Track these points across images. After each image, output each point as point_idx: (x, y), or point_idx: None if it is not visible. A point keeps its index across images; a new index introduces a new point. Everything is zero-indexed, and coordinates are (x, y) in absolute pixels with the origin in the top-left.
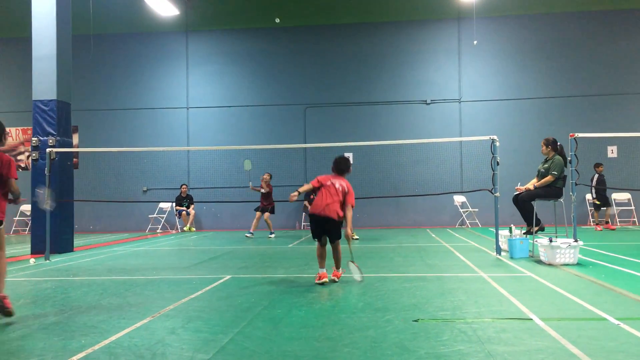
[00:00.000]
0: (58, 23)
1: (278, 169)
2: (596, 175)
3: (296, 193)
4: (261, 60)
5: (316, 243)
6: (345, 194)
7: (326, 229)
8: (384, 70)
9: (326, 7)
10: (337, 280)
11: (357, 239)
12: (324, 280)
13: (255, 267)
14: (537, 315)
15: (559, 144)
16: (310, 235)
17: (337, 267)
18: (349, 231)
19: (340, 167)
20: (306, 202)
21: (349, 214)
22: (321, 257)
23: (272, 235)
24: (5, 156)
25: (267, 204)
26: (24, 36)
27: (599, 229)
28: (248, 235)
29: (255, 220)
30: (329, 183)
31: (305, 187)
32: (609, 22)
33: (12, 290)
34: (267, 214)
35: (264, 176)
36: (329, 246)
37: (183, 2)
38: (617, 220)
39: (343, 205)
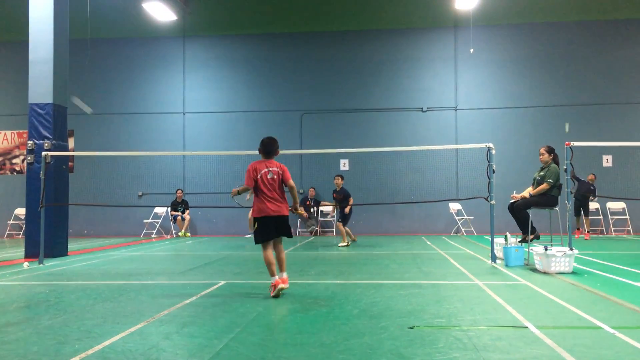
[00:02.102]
0: (55, 27)
1: None
2: (582, 179)
3: (235, 190)
4: (258, 66)
5: (264, 249)
6: (282, 178)
7: (280, 228)
8: (381, 78)
9: (323, 14)
10: (286, 287)
11: (345, 245)
12: (282, 287)
13: (250, 273)
14: (532, 324)
15: (554, 152)
16: (303, 241)
17: (284, 269)
18: (300, 210)
19: (268, 148)
20: (302, 209)
21: (294, 192)
22: (272, 262)
23: None
24: None
25: None
26: (21, 40)
27: (586, 237)
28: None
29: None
30: (265, 176)
31: (244, 188)
32: (604, 31)
33: (6, 294)
34: None
35: None
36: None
37: (181, 8)
38: (612, 229)
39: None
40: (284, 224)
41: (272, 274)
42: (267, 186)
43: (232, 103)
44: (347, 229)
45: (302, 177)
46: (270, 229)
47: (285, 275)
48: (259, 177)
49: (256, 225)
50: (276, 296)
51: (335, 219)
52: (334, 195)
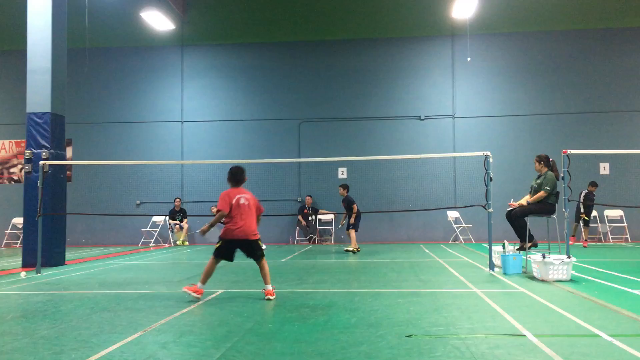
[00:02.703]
0: (53, 36)
1: (272, 184)
2: (584, 192)
3: (206, 227)
4: (256, 75)
5: (212, 258)
6: (254, 204)
7: (246, 250)
8: (379, 86)
9: (322, 23)
10: (272, 298)
11: (351, 250)
12: (199, 296)
13: (248, 282)
14: (530, 332)
15: (551, 159)
16: (302, 250)
17: (268, 282)
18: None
19: (238, 177)
20: (300, 217)
21: (259, 217)
22: (209, 274)
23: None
24: None
25: None
26: (19, 49)
27: (584, 244)
28: None
29: None
30: (237, 202)
31: (217, 218)
32: (601, 40)
33: (3, 304)
34: None
35: None
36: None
37: (179, 17)
38: (610, 237)
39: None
40: (252, 247)
41: (203, 282)
42: (240, 212)
43: (230, 112)
44: (354, 234)
45: (300, 185)
46: (230, 252)
47: (270, 287)
48: (233, 202)
49: (220, 244)
50: (195, 299)
51: (345, 226)
52: (343, 204)
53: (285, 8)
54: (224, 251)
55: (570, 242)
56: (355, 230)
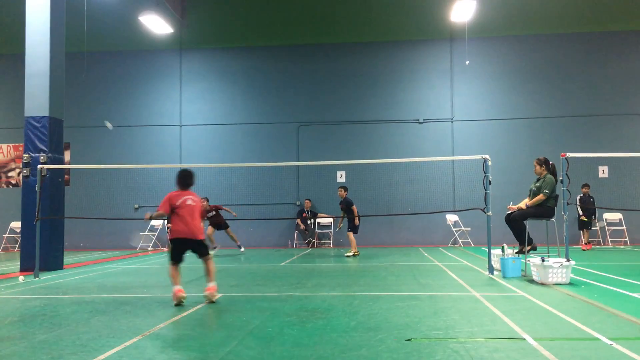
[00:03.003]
0: (52, 40)
1: (271, 187)
2: (580, 195)
3: (148, 216)
4: (254, 78)
5: (171, 265)
6: (199, 208)
7: (195, 249)
8: (377, 90)
9: (320, 27)
10: (214, 297)
11: (352, 255)
12: (183, 295)
13: (247, 286)
14: (530, 335)
15: (551, 163)
16: (300, 253)
17: (213, 279)
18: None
19: (187, 181)
20: (299, 221)
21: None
22: (175, 276)
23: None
24: None
25: (219, 222)
26: (18, 52)
27: (587, 248)
28: (212, 252)
29: (209, 235)
30: (184, 203)
31: (157, 215)
32: (599, 43)
33: (1, 308)
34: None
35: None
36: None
37: (177, 21)
38: (609, 240)
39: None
40: (199, 245)
41: (175, 284)
42: (186, 213)
43: (228, 115)
44: (353, 238)
45: (298, 189)
46: (181, 251)
47: (212, 284)
48: (178, 204)
49: (171, 246)
50: (178, 304)
51: (344, 229)
52: (341, 206)
53: (284, 12)
54: (175, 254)
55: (588, 248)
56: (355, 233)
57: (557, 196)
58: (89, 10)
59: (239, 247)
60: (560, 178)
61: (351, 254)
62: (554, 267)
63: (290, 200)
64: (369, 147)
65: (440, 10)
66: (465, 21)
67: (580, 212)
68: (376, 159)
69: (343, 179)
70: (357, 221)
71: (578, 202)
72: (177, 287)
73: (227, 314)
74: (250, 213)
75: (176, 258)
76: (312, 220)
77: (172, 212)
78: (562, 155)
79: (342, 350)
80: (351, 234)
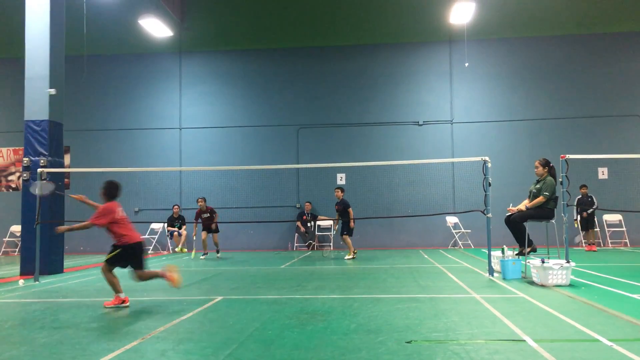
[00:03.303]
0: (51, 43)
1: (271, 190)
2: (578, 197)
3: (65, 229)
4: (254, 81)
5: (109, 271)
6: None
7: (139, 257)
8: (377, 92)
9: (320, 29)
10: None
11: (352, 258)
12: (127, 304)
13: (247, 289)
14: (530, 337)
15: (551, 164)
16: (300, 256)
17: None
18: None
19: (115, 192)
20: (299, 223)
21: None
22: (115, 282)
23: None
24: None
25: (210, 225)
26: (17, 56)
27: (591, 249)
28: (202, 257)
29: (203, 241)
30: (122, 213)
31: (84, 226)
32: (599, 45)
33: (1, 312)
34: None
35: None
36: None
37: (177, 24)
38: (609, 241)
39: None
40: (141, 252)
41: (117, 291)
42: (124, 222)
43: (228, 118)
44: (349, 240)
45: (299, 191)
46: (127, 258)
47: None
48: (119, 216)
49: (118, 252)
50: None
51: (339, 231)
52: (336, 207)
53: (283, 14)
54: (129, 259)
55: (593, 250)
56: (350, 236)
57: (557, 198)
58: (88, 14)
59: (217, 251)
60: (560, 180)
61: (351, 256)
62: (554, 269)
63: (290, 203)
64: (369, 149)
65: (439, 12)
66: (465, 23)
67: (575, 216)
68: (376, 161)
69: (343, 182)
70: (352, 224)
71: (576, 204)
72: (124, 295)
73: (227, 317)
74: (250, 216)
75: (124, 265)
76: (313, 222)
77: (110, 224)
78: (562, 157)
79: (342, 353)
80: (347, 237)
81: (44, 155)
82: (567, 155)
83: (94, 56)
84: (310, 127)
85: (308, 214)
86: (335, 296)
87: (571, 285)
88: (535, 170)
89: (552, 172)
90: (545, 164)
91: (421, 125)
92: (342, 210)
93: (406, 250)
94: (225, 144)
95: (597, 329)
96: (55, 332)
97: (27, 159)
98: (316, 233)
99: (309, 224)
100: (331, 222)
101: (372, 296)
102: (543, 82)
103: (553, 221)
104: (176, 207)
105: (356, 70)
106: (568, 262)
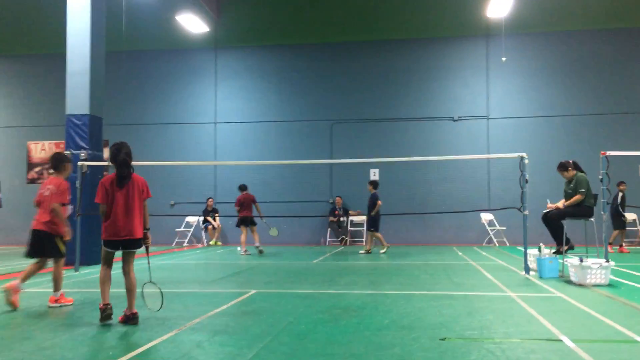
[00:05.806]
0: (92, 40)
1: (304, 185)
2: (620, 194)
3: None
4: (288, 76)
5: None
6: (52, 196)
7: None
8: (411, 87)
9: (354, 25)
10: (70, 305)
11: (384, 252)
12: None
13: (280, 282)
14: (567, 337)
15: (571, 161)
16: (333, 251)
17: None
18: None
19: (52, 163)
20: (331, 218)
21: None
22: (34, 274)
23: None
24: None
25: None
26: (59, 52)
27: (623, 251)
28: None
29: (244, 236)
30: (42, 191)
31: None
32: None
33: (42, 301)
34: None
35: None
36: None
37: (213, 19)
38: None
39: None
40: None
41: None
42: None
43: (262, 113)
44: (379, 234)
45: (332, 186)
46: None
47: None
48: (41, 196)
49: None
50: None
51: (365, 227)
52: (369, 202)
53: (318, 10)
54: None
55: (626, 252)
56: (377, 230)
57: (595, 195)
58: (127, 11)
59: (258, 247)
60: (600, 177)
61: (384, 250)
62: (593, 268)
63: (323, 198)
64: (403, 144)
65: (477, 6)
66: (502, 17)
67: (622, 213)
68: (410, 157)
69: (377, 177)
70: (372, 213)
71: (619, 202)
72: (61, 297)
73: (261, 310)
74: (283, 210)
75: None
76: (345, 217)
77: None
78: (602, 154)
79: (376, 349)
80: (376, 233)
81: (85, 149)
82: (607, 152)
83: (132, 52)
84: (343, 122)
85: (340, 208)
86: (368, 292)
87: (610, 285)
88: (562, 175)
89: (578, 167)
90: (567, 165)
91: (456, 120)
92: (371, 204)
93: (439, 246)
94: (259, 139)
95: (637, 330)
96: (94, 321)
97: (68, 152)
98: (349, 228)
99: (341, 219)
100: (364, 217)
101: (405, 292)
102: (582, 77)
103: (592, 219)
104: (210, 199)
105: (390, 65)
106: (607, 261)
